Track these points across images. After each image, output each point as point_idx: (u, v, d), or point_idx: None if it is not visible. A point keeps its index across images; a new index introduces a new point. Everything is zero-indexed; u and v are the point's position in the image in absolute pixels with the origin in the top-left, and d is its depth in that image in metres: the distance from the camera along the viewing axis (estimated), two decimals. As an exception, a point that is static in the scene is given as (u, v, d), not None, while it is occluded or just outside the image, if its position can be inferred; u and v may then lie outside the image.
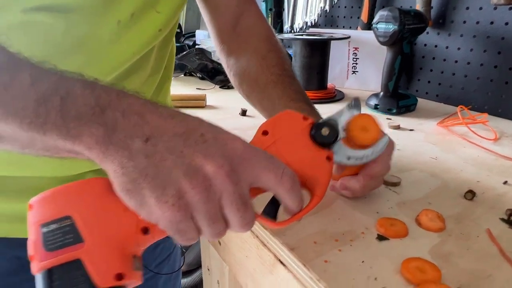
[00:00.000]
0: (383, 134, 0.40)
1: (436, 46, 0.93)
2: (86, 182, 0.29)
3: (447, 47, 0.90)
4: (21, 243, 0.48)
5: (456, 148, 0.64)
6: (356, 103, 0.39)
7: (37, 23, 0.40)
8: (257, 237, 0.42)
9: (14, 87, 0.27)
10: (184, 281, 1.66)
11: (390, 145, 0.43)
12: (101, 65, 0.45)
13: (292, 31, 1.35)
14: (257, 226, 0.41)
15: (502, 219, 0.42)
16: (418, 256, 0.35)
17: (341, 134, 0.37)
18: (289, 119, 0.35)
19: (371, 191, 0.46)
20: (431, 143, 0.66)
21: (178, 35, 1.68)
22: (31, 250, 0.28)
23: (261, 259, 0.41)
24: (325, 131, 0.35)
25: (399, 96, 0.83)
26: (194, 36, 1.64)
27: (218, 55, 0.66)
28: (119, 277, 0.27)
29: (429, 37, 0.94)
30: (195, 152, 0.28)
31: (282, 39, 1.11)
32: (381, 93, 0.84)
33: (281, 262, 0.38)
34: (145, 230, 0.29)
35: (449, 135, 0.70)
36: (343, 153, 0.37)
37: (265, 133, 0.34)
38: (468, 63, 0.87)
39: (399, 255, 0.36)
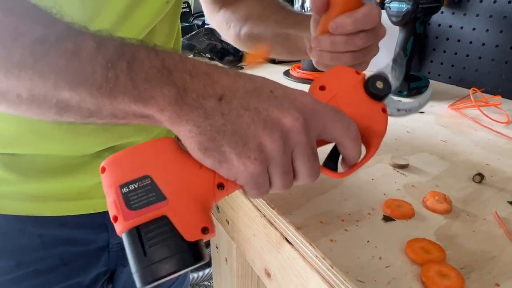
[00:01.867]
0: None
1: (450, 26, 0.90)
2: (157, 142, 0.30)
3: (461, 28, 0.88)
4: (42, 221, 0.50)
5: (467, 131, 0.63)
6: (399, 57, 0.39)
7: None
8: (264, 216, 0.42)
9: (81, 54, 0.27)
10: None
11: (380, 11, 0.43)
12: None
13: (303, 11, 1.33)
14: (264, 206, 0.42)
15: (510, 202, 0.42)
16: (423, 237, 0.36)
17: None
18: (343, 74, 0.35)
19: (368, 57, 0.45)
20: (442, 125, 0.65)
21: (187, 15, 1.66)
22: (113, 210, 0.28)
23: (268, 238, 0.42)
24: (379, 84, 0.35)
25: (410, 78, 0.82)
26: (203, 16, 1.62)
27: (214, 21, 0.67)
28: (205, 230, 0.28)
29: (443, 17, 0.91)
30: (270, 106, 0.28)
31: (292, 19, 1.09)
32: (392, 75, 0.83)
33: (288, 241, 0.39)
34: (221, 185, 0.30)
35: (460, 118, 0.69)
36: (393, 105, 0.37)
37: (322, 88, 0.34)
38: (483, 44, 0.84)
39: (404, 236, 0.36)
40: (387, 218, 0.39)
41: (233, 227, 0.52)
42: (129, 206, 0.28)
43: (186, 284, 0.80)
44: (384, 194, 0.44)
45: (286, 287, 0.41)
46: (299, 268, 0.38)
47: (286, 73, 1.02)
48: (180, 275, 0.75)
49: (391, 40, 0.92)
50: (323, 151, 0.34)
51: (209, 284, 1.75)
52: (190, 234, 0.28)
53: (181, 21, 0.61)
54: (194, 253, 0.28)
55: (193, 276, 1.67)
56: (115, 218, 0.28)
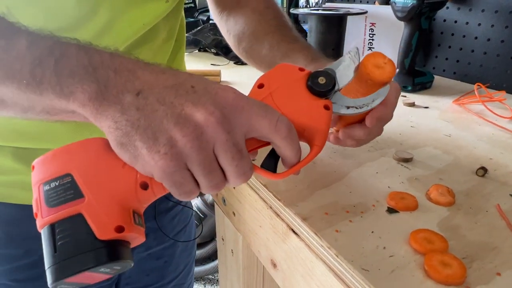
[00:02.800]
0: (394, 73, 0.38)
1: (455, 21, 0.90)
2: (85, 142, 0.30)
3: (467, 23, 0.88)
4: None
5: (471, 126, 0.63)
6: (356, 51, 0.38)
7: None
8: (270, 208, 0.43)
9: (11, 51, 0.28)
10: (198, 252, 1.72)
11: (397, 89, 0.42)
12: (112, 36, 0.46)
13: (308, 6, 1.33)
14: (271, 198, 0.43)
15: (512, 195, 0.43)
16: (426, 228, 0.36)
17: (340, 83, 0.36)
18: (285, 71, 0.34)
19: (374, 137, 0.44)
20: (446, 120, 0.66)
21: (192, 10, 1.67)
22: (35, 208, 0.29)
23: (274, 229, 0.43)
24: (321, 79, 0.34)
25: (415, 73, 0.82)
26: (208, 11, 1.63)
27: (218, 23, 0.68)
28: (119, 229, 0.28)
29: (448, 12, 0.91)
30: (185, 101, 0.28)
31: (297, 14, 1.10)
32: (397, 70, 0.83)
33: (294, 232, 0.40)
34: (144, 185, 0.29)
35: (464, 113, 0.70)
36: (342, 102, 0.36)
37: (260, 86, 0.34)
38: (488, 39, 0.84)
39: (408, 227, 0.37)
40: (391, 210, 0.40)
41: (240, 219, 0.53)
42: (48, 204, 0.28)
43: (191, 277, 0.81)
44: (388, 187, 0.44)
45: (292, 276, 0.42)
46: (304, 258, 0.39)
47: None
48: (187, 271, 0.77)
49: (397, 35, 0.92)
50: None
51: (213, 277, 1.77)
52: (103, 232, 0.27)
53: (186, 17, 0.62)
54: (108, 252, 0.28)
55: (198, 269, 1.69)
56: (36, 215, 0.29)
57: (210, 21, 1.47)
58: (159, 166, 0.27)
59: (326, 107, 0.33)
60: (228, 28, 0.65)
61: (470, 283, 0.31)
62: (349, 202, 0.41)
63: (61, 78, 0.28)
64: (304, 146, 0.34)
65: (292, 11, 0.99)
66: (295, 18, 1.17)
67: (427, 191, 0.43)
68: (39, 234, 0.52)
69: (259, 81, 0.34)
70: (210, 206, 1.73)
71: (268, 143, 0.32)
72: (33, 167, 0.30)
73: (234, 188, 0.52)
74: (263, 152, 0.35)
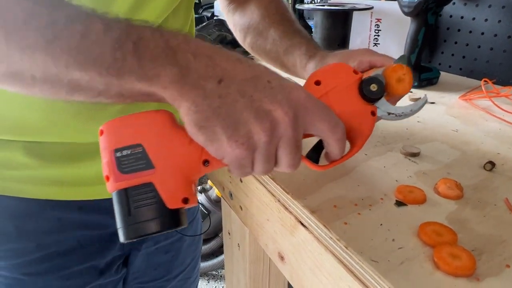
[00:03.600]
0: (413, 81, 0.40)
1: (462, 17, 0.90)
2: (153, 113, 0.32)
3: (473, 19, 0.88)
4: (62, 205, 0.52)
5: (478, 121, 0.63)
6: (402, 58, 0.41)
7: None
8: (279, 201, 0.44)
9: (90, 35, 0.28)
10: (202, 248, 1.72)
11: None
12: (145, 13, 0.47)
13: (313, 1, 1.33)
14: (279, 191, 0.43)
15: (521, 189, 0.43)
16: (435, 221, 0.36)
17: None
18: (341, 71, 0.37)
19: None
20: (453, 116, 0.66)
21: (197, 6, 1.67)
22: (105, 170, 0.31)
23: (282, 222, 0.44)
24: (373, 87, 0.36)
25: (421, 69, 0.82)
26: (212, 7, 1.63)
27: (225, 15, 0.70)
28: (186, 200, 0.31)
29: (455, 8, 0.91)
30: (264, 97, 0.30)
31: (302, 10, 1.09)
32: (403, 66, 0.83)
33: (302, 224, 0.40)
34: (206, 162, 0.32)
35: (471, 108, 0.69)
36: (384, 108, 0.38)
37: (317, 83, 0.36)
38: (495, 35, 0.84)
39: (416, 220, 0.37)
40: (399, 203, 0.40)
41: (247, 212, 0.54)
42: (120, 170, 0.31)
43: (197, 271, 0.82)
44: (396, 180, 0.44)
45: (299, 269, 0.42)
46: (313, 251, 0.39)
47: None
48: (194, 265, 0.77)
49: (402, 31, 0.92)
50: (311, 142, 0.36)
51: (217, 273, 1.78)
52: (172, 202, 0.31)
53: (191, 13, 0.63)
54: (174, 219, 0.31)
55: (201, 265, 1.70)
56: (107, 178, 0.31)
57: (215, 18, 1.47)
58: (235, 154, 0.30)
59: (373, 113, 0.37)
60: (234, 22, 0.66)
61: (480, 274, 0.31)
62: (357, 195, 0.41)
63: (143, 62, 0.29)
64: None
65: (298, 6, 0.99)
66: (300, 14, 1.17)
67: (435, 185, 0.43)
68: (50, 228, 0.53)
69: (316, 77, 0.36)
70: (214, 202, 1.74)
71: (312, 134, 0.35)
72: (102, 131, 0.32)
73: (242, 181, 0.52)
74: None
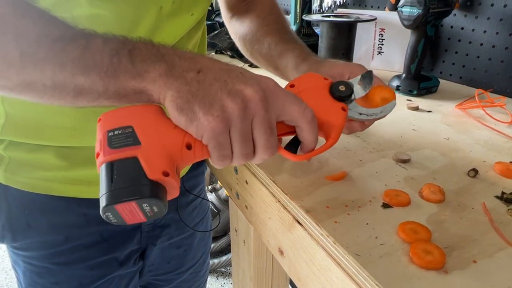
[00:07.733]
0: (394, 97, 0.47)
1: (462, 28, 0.94)
2: (146, 106, 0.37)
3: (473, 30, 0.91)
4: (88, 202, 0.59)
5: (470, 130, 0.67)
6: (368, 75, 0.46)
7: (100, 16, 0.47)
8: (279, 201, 0.49)
9: (91, 46, 0.35)
10: (212, 245, 1.79)
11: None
12: None
13: (321, 10, 1.37)
14: (279, 192, 0.49)
15: (497, 197, 0.47)
16: (414, 221, 0.41)
17: (356, 95, 0.44)
18: (313, 78, 0.43)
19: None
20: (447, 124, 0.70)
21: (209, 13, 1.73)
22: (97, 148, 0.35)
23: (282, 220, 0.49)
24: (341, 87, 0.42)
25: (420, 78, 0.86)
26: (224, 13, 1.68)
27: (227, 26, 0.75)
28: (166, 173, 0.34)
29: (456, 19, 0.95)
30: (236, 81, 0.35)
31: (309, 20, 1.14)
32: (403, 75, 0.87)
33: (298, 222, 0.45)
34: (189, 146, 0.36)
35: (465, 117, 0.73)
36: (356, 109, 0.45)
37: (291, 85, 0.42)
38: (493, 46, 0.88)
39: (399, 220, 0.42)
40: (385, 205, 0.45)
41: (251, 211, 0.59)
42: (110, 146, 0.34)
43: (207, 265, 0.88)
44: (385, 185, 0.49)
45: (296, 262, 0.48)
46: (307, 245, 0.44)
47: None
48: (204, 260, 0.83)
49: (404, 42, 0.96)
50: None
51: (225, 270, 1.83)
52: (152, 172, 0.33)
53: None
54: (153, 190, 0.33)
55: (211, 262, 1.76)
56: (98, 155, 0.35)
57: (227, 24, 1.53)
58: (211, 126, 0.34)
59: (343, 109, 0.42)
60: (235, 30, 0.72)
61: (448, 268, 0.36)
62: (348, 197, 0.47)
63: (136, 63, 0.35)
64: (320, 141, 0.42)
65: (305, 17, 1.04)
66: (308, 22, 1.22)
67: (420, 189, 0.48)
68: (77, 223, 0.60)
69: (291, 82, 0.42)
70: (224, 201, 1.80)
71: (291, 133, 0.40)
72: (100, 119, 0.37)
73: (248, 182, 0.58)
74: (285, 140, 0.42)
